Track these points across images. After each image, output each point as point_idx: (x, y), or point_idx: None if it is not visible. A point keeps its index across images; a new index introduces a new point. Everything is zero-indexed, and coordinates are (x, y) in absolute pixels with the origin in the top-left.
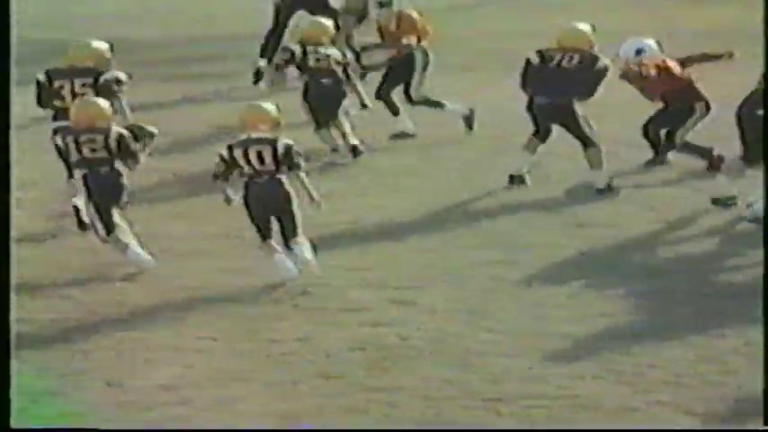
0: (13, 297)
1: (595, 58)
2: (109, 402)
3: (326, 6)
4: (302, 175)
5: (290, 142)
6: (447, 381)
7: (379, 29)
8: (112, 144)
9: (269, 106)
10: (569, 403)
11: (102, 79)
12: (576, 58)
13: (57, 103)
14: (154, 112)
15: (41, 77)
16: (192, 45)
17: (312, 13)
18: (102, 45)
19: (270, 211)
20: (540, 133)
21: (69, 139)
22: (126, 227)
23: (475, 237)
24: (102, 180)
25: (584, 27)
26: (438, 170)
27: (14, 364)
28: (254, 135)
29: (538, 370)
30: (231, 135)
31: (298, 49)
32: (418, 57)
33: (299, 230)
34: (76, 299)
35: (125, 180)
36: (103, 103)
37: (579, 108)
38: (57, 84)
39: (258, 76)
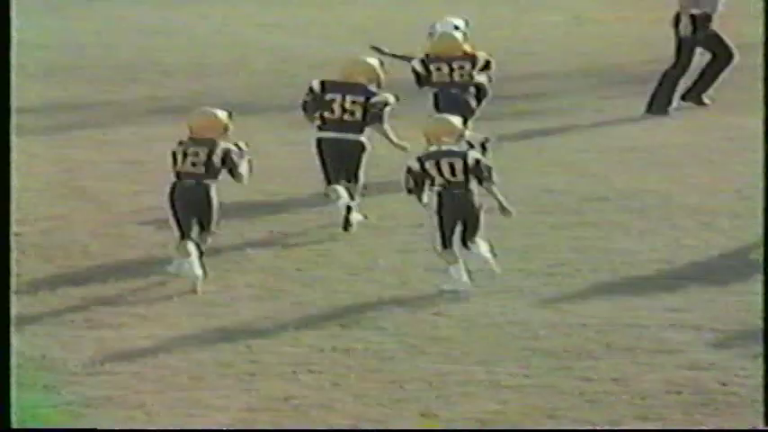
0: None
1: None
2: None
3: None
4: (493, 187)
5: (479, 155)
6: None
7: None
8: (216, 159)
9: (454, 119)
10: None
11: (372, 100)
12: None
13: (326, 114)
14: None
15: (316, 86)
16: (519, 82)
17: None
18: (374, 61)
19: (460, 216)
20: None
21: (179, 149)
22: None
23: None
24: (187, 192)
25: None
26: (751, 208)
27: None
28: (444, 147)
29: None
30: None
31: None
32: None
33: (480, 233)
34: (387, 329)
35: (214, 195)
36: (221, 114)
37: None
38: (329, 96)
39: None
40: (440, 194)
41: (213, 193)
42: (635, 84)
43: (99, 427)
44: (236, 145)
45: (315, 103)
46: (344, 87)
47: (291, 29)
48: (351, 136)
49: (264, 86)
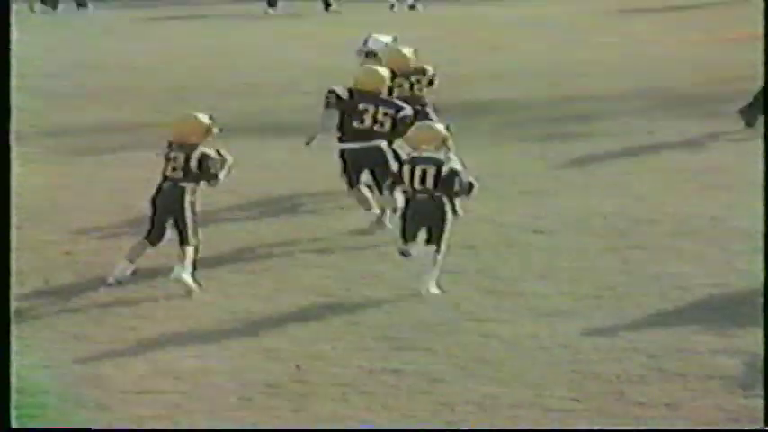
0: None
1: None
2: None
3: None
4: (462, 198)
5: (457, 167)
6: None
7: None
8: (193, 163)
9: (438, 126)
10: None
11: (401, 114)
12: None
13: (355, 123)
14: (527, 173)
15: (343, 92)
16: (572, 103)
17: None
18: (385, 72)
19: (424, 223)
20: None
21: (166, 153)
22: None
23: None
24: (164, 194)
25: None
26: None
27: None
28: (425, 154)
29: None
30: None
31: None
32: None
33: (443, 244)
34: (437, 351)
35: (188, 198)
36: (202, 117)
37: None
38: (361, 105)
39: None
40: (407, 201)
41: (188, 197)
42: (687, 106)
43: None
44: (218, 152)
45: (341, 103)
46: (375, 99)
47: (343, 49)
48: (375, 143)
49: (316, 107)
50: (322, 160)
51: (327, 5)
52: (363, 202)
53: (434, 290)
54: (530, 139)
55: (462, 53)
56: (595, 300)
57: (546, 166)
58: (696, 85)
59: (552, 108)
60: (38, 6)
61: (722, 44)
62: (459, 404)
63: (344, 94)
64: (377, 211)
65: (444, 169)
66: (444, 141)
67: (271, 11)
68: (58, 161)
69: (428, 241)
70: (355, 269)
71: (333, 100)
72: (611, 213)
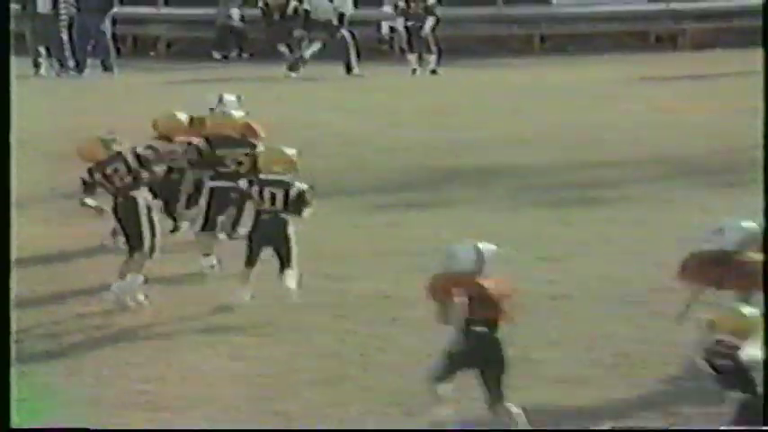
0: None
1: None
2: None
3: None
4: (304, 215)
5: (304, 187)
6: None
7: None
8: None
9: (288, 150)
10: None
11: (256, 150)
12: None
13: (219, 168)
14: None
15: (203, 145)
16: (589, 170)
17: None
18: (240, 114)
19: (269, 243)
20: None
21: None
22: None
23: None
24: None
25: None
26: None
27: None
28: (271, 177)
29: None
30: None
31: None
32: None
33: (292, 262)
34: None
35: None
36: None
37: None
38: (219, 151)
39: None
40: (255, 219)
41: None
42: (706, 174)
43: None
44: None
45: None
46: (231, 142)
47: (361, 113)
48: (240, 183)
49: (335, 171)
50: (340, 225)
51: (349, 69)
52: (206, 247)
53: (292, 284)
54: (547, 204)
55: (481, 118)
56: (611, 368)
57: (563, 231)
58: (714, 153)
59: (570, 174)
60: (62, 71)
61: (739, 113)
62: None
63: (204, 144)
64: (213, 261)
65: (292, 191)
66: (293, 166)
67: (292, 74)
68: (74, 222)
69: (281, 267)
70: (369, 333)
71: (194, 156)
72: (628, 280)
